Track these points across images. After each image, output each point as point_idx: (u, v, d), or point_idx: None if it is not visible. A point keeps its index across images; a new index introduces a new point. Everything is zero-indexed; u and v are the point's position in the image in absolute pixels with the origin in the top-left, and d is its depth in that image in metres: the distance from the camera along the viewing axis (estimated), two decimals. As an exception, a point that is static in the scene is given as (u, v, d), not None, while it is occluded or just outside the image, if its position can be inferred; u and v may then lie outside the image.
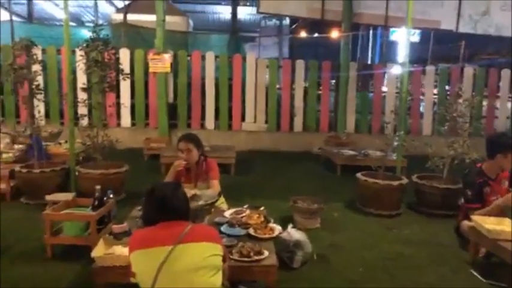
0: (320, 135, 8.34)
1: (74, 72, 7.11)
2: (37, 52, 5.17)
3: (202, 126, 8.26)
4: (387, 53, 15.20)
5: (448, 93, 8.58)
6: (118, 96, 7.85)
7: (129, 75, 5.86)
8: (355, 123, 8.74)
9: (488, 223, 3.27)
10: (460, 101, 4.99)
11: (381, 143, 5.75)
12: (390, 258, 3.49)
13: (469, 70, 8.84)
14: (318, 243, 3.64)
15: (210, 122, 8.34)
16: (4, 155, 5.10)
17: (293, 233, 3.34)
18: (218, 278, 2.05)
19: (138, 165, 6.18)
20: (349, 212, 4.71)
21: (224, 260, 2.16)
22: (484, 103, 8.81)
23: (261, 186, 5.62)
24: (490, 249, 3.26)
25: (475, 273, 3.23)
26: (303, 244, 3.29)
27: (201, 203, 2.89)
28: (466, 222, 3.64)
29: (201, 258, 1.99)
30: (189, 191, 3.13)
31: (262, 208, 3.44)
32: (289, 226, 3.45)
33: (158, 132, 7.90)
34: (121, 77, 5.53)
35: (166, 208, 2.09)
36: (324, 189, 5.43)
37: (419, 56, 14.23)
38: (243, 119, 8.42)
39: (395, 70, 8.64)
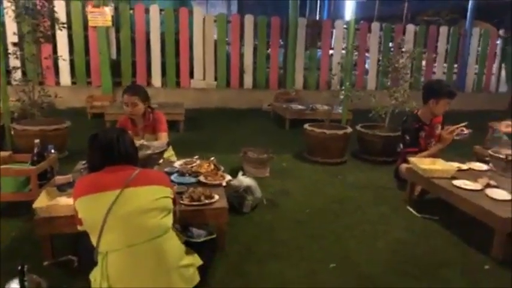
0: (270, 92, 8.38)
1: (2, 24, 6.54)
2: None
3: (149, 83, 7.98)
4: (335, 10, 15.30)
5: (392, 49, 8.87)
6: (55, 52, 7.32)
7: (65, 25, 5.43)
8: (303, 80, 8.86)
9: (423, 164, 3.52)
10: (402, 53, 5.22)
11: (328, 97, 5.91)
12: (335, 201, 3.68)
13: (410, 27, 9.15)
14: (267, 189, 3.75)
15: (156, 79, 8.07)
16: None
17: (243, 180, 3.41)
18: (169, 219, 2.06)
19: (82, 124, 5.90)
20: (298, 162, 4.86)
21: (174, 204, 2.17)
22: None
23: (211, 142, 5.62)
24: (424, 187, 3.53)
25: (411, 210, 3.50)
26: (253, 189, 3.38)
27: (148, 152, 2.84)
28: (403, 165, 3.90)
29: (151, 200, 1.98)
30: (137, 142, 3.08)
31: (212, 158, 3.46)
32: (239, 173, 3.52)
33: (101, 90, 7.54)
34: (56, 27, 5.12)
35: (112, 152, 2.03)
36: (273, 142, 5.52)
37: (366, 14, 14.48)
38: (191, 76, 8.23)
39: (342, 27, 8.75)
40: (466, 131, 3.77)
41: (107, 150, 2.05)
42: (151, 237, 1.94)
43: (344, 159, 4.88)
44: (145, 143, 3.00)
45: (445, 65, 9.46)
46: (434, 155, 3.80)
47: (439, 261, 2.69)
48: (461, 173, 3.44)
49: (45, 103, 4.68)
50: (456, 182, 3.19)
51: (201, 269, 2.14)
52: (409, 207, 3.54)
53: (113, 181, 1.96)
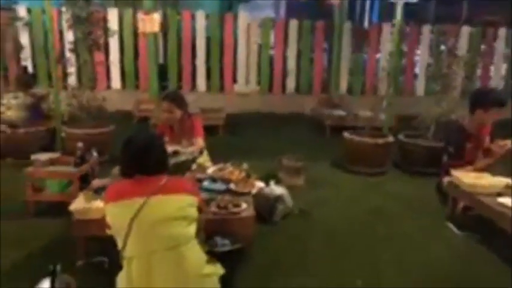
0: (313, 97, 8.28)
1: (61, 32, 7.01)
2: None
3: (194, 88, 8.18)
4: (386, 12, 14.81)
5: (443, 53, 8.43)
6: (107, 59, 7.72)
7: (116, 32, 5.72)
8: (348, 85, 8.66)
9: (467, 178, 3.31)
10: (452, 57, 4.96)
11: (372, 103, 5.75)
12: (372, 213, 3.57)
13: (465, 30, 8.65)
14: (300, 199, 3.70)
15: (201, 84, 8.25)
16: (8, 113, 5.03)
17: (274, 188, 3.39)
18: (192, 228, 2.09)
19: (128, 127, 6.17)
20: (335, 170, 4.76)
21: (200, 212, 2.20)
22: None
23: (249, 147, 5.64)
24: (467, 203, 3.32)
25: (451, 226, 3.31)
26: (284, 198, 3.35)
27: (181, 159, 2.91)
28: (446, 178, 3.69)
29: (175, 209, 2.02)
30: (170, 148, 3.17)
31: (244, 165, 3.47)
32: (271, 182, 3.50)
33: (149, 94, 7.84)
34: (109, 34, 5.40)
35: (142, 160, 2.09)
36: (312, 149, 5.46)
37: (420, 16, 13.87)
38: (235, 80, 8.33)
39: (390, 30, 8.45)
40: None
41: (138, 159, 2.10)
42: (173, 245, 1.98)
43: (384, 169, 4.70)
44: (178, 149, 3.08)
45: (503, 70, 8.84)
46: (481, 170, 3.56)
47: (473, 284, 2.52)
48: (509, 190, 3.19)
49: (94, 107, 4.95)
50: (502, 200, 2.97)
51: (224, 279, 2.16)
52: (449, 224, 3.35)
53: (141, 189, 2.02)
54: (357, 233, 3.19)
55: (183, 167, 2.92)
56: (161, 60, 8.08)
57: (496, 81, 8.80)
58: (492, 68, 8.84)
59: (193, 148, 3.26)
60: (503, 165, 3.67)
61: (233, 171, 3.29)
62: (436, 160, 4.28)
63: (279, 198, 3.31)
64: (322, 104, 7.81)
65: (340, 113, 6.83)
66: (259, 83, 8.37)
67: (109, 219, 2.03)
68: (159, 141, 2.24)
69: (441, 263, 2.76)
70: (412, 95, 8.34)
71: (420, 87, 8.72)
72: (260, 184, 3.43)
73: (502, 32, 8.66)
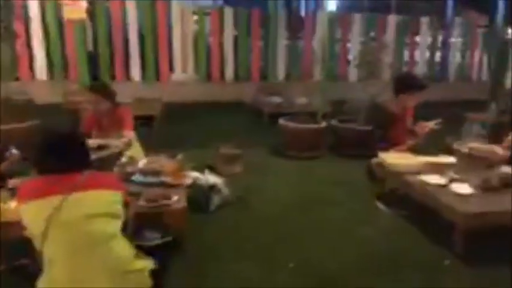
0: (252, 85, 8.30)
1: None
2: None
3: (128, 78, 7.86)
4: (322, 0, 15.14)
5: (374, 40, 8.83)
6: (29, 46, 7.16)
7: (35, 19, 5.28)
8: (286, 72, 8.78)
9: (391, 158, 3.50)
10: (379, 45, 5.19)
11: (308, 90, 5.89)
12: (306, 198, 3.66)
13: (392, 18, 9.10)
14: (238, 186, 3.70)
15: (135, 73, 7.94)
16: None
17: (209, 178, 3.37)
18: (117, 224, 2.00)
19: (56, 120, 5.79)
20: (272, 157, 4.83)
21: (127, 207, 2.11)
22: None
23: (187, 137, 5.54)
24: (393, 182, 3.51)
25: (380, 205, 3.49)
26: (219, 187, 3.34)
27: (106, 152, 2.78)
28: (374, 160, 3.88)
29: (97, 206, 1.92)
30: (96, 141, 3.02)
31: (179, 156, 3.40)
32: (206, 171, 3.47)
33: (78, 85, 7.40)
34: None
35: (58, 155, 1.95)
36: (250, 137, 5.48)
37: (354, 4, 14.33)
38: (171, 69, 8.12)
39: (325, 18, 8.66)
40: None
41: (54, 153, 1.97)
42: (97, 243, 1.88)
43: (319, 154, 4.85)
44: (103, 142, 2.94)
45: (427, 55, 9.44)
46: (406, 150, 3.78)
47: (400, 258, 2.69)
48: (431, 168, 3.41)
49: (19, 100, 4.58)
50: (423, 177, 3.17)
51: (156, 273, 2.11)
52: (378, 203, 3.53)
53: (58, 186, 1.89)
54: (291, 218, 3.26)
55: (109, 161, 2.79)
56: (91, 49, 7.65)
57: (422, 67, 9.38)
58: (418, 54, 9.39)
59: (121, 141, 3.12)
60: (425, 144, 3.93)
61: (165, 163, 3.21)
62: (367, 143, 4.49)
63: (214, 188, 3.29)
64: (261, 91, 7.87)
65: (278, 100, 6.93)
66: (197, 71, 8.23)
67: (24, 220, 1.88)
68: (77, 134, 2.12)
69: (369, 242, 2.91)
70: (345, 81, 8.65)
71: (353, 73, 9.07)
72: (195, 174, 3.39)
73: (426, 19, 9.21)
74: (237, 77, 8.52)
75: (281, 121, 4.90)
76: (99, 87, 3.50)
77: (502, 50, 7.77)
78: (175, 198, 2.62)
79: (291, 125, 4.74)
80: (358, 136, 4.80)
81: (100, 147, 2.89)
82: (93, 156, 2.31)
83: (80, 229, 1.85)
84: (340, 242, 2.90)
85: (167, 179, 2.90)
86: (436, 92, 8.75)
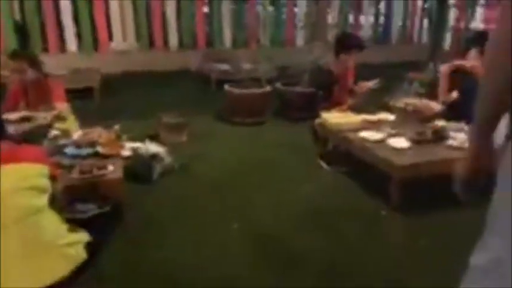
0: (198, 52, 8.06)
1: None
2: None
3: (64, 49, 7.34)
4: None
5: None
6: None
7: None
8: (232, 38, 8.58)
9: (333, 118, 3.55)
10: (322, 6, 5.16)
11: (254, 55, 5.79)
12: (251, 162, 3.66)
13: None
14: (182, 155, 3.63)
15: (71, 44, 7.43)
16: None
17: (150, 147, 3.26)
18: (43, 199, 1.89)
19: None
20: (219, 124, 4.76)
21: (54, 180, 2.00)
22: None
23: (128, 108, 5.30)
24: (335, 140, 3.58)
25: (322, 164, 3.56)
26: (161, 156, 3.25)
27: (32, 125, 2.60)
28: (317, 120, 3.93)
29: (19, 180, 1.80)
30: (20, 113, 2.82)
31: (116, 126, 3.24)
32: (146, 141, 3.36)
33: (5, 56, 6.83)
34: None
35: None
36: (196, 105, 5.36)
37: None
38: (110, 38, 7.68)
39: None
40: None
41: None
42: (22, 217, 1.78)
43: (265, 119, 4.84)
44: (30, 115, 2.74)
45: (371, 17, 9.57)
46: (348, 109, 3.85)
47: (339, 212, 2.78)
48: (370, 125, 3.50)
49: None
50: (362, 134, 3.26)
51: (92, 245, 2.03)
52: (321, 162, 3.60)
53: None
54: (235, 183, 3.25)
55: (37, 134, 2.61)
56: (18, 18, 7.03)
57: (366, 30, 9.52)
58: (363, 17, 9.50)
59: (49, 113, 2.93)
60: (365, 103, 4.03)
61: (101, 134, 3.05)
62: (311, 105, 4.53)
63: (156, 157, 3.20)
64: (208, 58, 7.66)
65: (225, 66, 6.79)
66: (138, 39, 7.84)
67: None
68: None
69: (310, 199, 2.97)
70: (292, 45, 8.61)
71: (300, 37, 9.05)
72: (135, 144, 3.28)
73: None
74: (181, 44, 8.23)
75: (226, 87, 4.81)
76: (21, 53, 3.24)
77: (441, 13, 8.05)
78: (110, 168, 2.51)
79: (236, 90, 4.67)
80: (302, 99, 4.83)
81: (25, 120, 2.69)
82: (21, 128, 2.14)
83: (4, 203, 1.73)
84: (283, 201, 2.95)
85: (102, 150, 2.77)
86: (379, 54, 9.04)
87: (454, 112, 3.55)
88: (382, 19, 9.82)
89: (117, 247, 2.35)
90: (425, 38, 10.23)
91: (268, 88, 4.83)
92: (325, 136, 3.69)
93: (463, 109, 3.53)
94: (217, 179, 3.28)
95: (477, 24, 9.05)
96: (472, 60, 3.58)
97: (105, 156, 2.71)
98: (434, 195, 2.96)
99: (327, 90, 3.95)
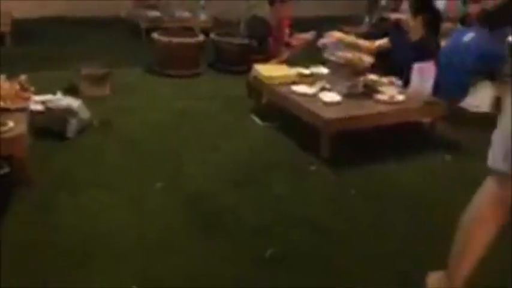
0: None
1: None
2: None
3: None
4: None
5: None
6: None
7: None
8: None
9: (266, 70, 3.41)
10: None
11: (191, 4, 5.38)
12: (179, 115, 3.45)
13: None
14: (103, 109, 3.33)
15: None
16: None
17: (62, 100, 2.93)
18: None
19: None
20: (147, 76, 4.42)
21: None
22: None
23: (45, 57, 4.74)
24: (268, 94, 3.46)
25: (255, 118, 3.45)
26: (76, 111, 2.93)
27: None
28: (251, 73, 3.77)
29: None
30: None
31: (22, 77, 2.85)
32: (58, 93, 3.02)
33: None
34: None
35: None
36: (124, 55, 4.92)
37: None
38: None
39: None
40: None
41: None
42: None
43: (198, 71, 4.56)
44: None
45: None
46: (283, 62, 3.72)
47: (268, 167, 2.71)
48: (304, 78, 3.40)
49: None
50: (294, 88, 3.16)
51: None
52: (253, 116, 3.48)
53: None
54: (161, 138, 3.05)
55: None
56: None
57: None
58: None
59: None
60: (301, 56, 3.92)
61: (2, 86, 2.67)
62: (248, 57, 4.33)
63: (69, 111, 2.88)
64: (139, 4, 7.03)
65: (157, 13, 6.28)
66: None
67: None
68: None
69: (239, 154, 2.87)
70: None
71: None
72: (45, 97, 2.93)
73: None
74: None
75: (155, 35, 4.43)
76: None
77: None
78: (10, 124, 2.20)
79: (165, 39, 4.31)
80: (238, 50, 4.59)
81: None
82: None
83: None
84: (212, 157, 2.82)
85: (3, 104, 2.42)
86: (314, 8, 8.88)
87: (384, 62, 3.58)
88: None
89: (22, 212, 2.11)
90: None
91: (201, 37, 4.52)
92: (258, 90, 3.56)
93: (391, 60, 3.57)
94: (141, 136, 3.05)
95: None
96: (401, 13, 3.55)
97: (7, 111, 2.37)
98: (363, 148, 3.00)
99: (262, 41, 3.78)
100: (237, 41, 4.63)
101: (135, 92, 3.92)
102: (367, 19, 5.94)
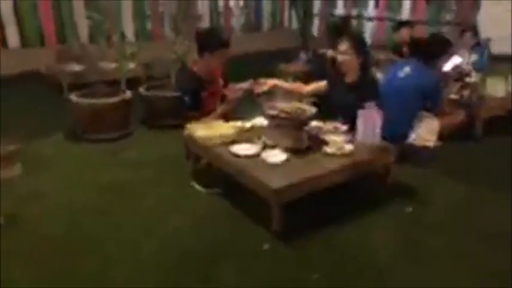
0: (48, 50, 6.77)
1: None
2: None
3: None
4: None
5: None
6: None
7: None
8: (90, 32, 7.43)
9: (199, 129, 3.04)
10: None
11: (117, 52, 4.95)
12: (105, 192, 2.98)
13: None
14: (11, 198, 2.78)
15: None
16: None
17: None
18: None
19: None
20: (67, 144, 3.89)
21: None
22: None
23: None
24: (204, 157, 3.08)
25: (195, 185, 3.06)
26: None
27: None
28: (184, 132, 3.38)
29: None
30: None
31: None
32: None
33: None
34: None
35: None
36: (42, 119, 4.38)
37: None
38: None
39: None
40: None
41: None
42: None
43: (128, 131, 4.11)
44: None
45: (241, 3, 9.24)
46: (220, 117, 3.36)
47: (215, 254, 2.31)
48: (244, 134, 3.03)
49: None
50: (234, 148, 2.81)
51: None
52: (193, 183, 3.09)
53: None
54: (84, 226, 2.56)
55: None
56: None
57: (238, 17, 9.16)
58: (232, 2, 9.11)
59: None
60: (240, 108, 3.59)
61: None
62: (181, 112, 3.94)
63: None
64: (61, 57, 6.46)
65: (78, 67, 5.77)
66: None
67: None
68: None
69: (180, 237, 2.46)
70: (162, 39, 7.84)
71: (170, 31, 8.30)
72: None
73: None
74: (25, 41, 6.85)
75: (73, 97, 3.94)
76: None
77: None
78: None
79: (84, 101, 3.84)
80: (171, 104, 4.21)
81: None
82: None
83: None
84: (144, 245, 2.37)
85: None
86: (251, 43, 8.80)
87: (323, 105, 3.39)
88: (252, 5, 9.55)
89: None
90: (295, 23, 10.29)
91: (128, 94, 4.10)
92: (195, 151, 3.17)
93: (330, 103, 3.38)
94: (57, 230, 2.52)
95: (341, 10, 9.28)
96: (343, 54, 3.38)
97: None
98: (317, 211, 2.70)
99: (194, 95, 3.42)
100: (168, 93, 4.26)
101: (53, 167, 3.38)
102: (302, 54, 5.83)
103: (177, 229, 2.52)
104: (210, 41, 3.33)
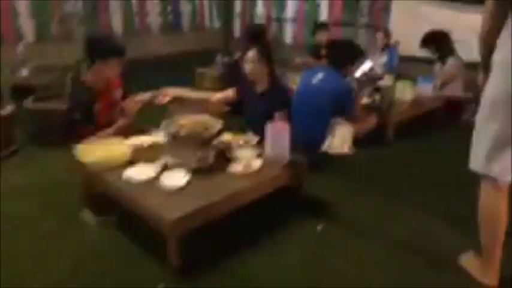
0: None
1: None
2: None
3: None
4: None
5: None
6: None
7: None
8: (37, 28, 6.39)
9: (89, 149, 2.62)
10: None
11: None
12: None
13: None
14: None
15: None
16: None
17: None
18: None
19: None
20: None
21: None
22: None
23: None
24: (95, 184, 2.65)
25: (86, 213, 2.65)
26: None
27: None
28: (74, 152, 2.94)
29: None
30: None
31: None
32: None
33: None
34: None
35: None
36: None
37: None
38: None
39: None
40: None
41: None
42: None
43: (12, 149, 3.54)
44: None
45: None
46: (117, 133, 2.96)
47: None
48: (143, 153, 2.67)
49: None
50: (127, 173, 2.45)
51: None
52: (84, 211, 2.68)
53: None
54: None
55: None
56: None
57: (154, 15, 8.62)
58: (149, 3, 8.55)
59: None
60: (141, 122, 3.23)
61: None
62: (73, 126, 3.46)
63: None
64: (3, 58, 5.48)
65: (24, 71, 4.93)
66: None
67: None
68: None
69: (62, 281, 2.06)
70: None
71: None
72: None
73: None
74: None
75: None
76: None
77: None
78: None
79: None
80: (64, 119, 3.68)
81: None
82: None
83: None
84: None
85: None
86: (169, 44, 8.34)
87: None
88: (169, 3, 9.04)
89: None
90: (217, 24, 10.00)
91: (9, 108, 3.53)
92: (85, 175, 2.75)
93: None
94: None
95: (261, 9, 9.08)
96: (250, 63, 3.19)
97: None
98: (220, 239, 2.45)
99: (86, 109, 3.00)
100: (62, 106, 3.73)
101: None
102: (219, 58, 5.58)
103: (54, 278, 2.11)
104: (102, 49, 2.94)
